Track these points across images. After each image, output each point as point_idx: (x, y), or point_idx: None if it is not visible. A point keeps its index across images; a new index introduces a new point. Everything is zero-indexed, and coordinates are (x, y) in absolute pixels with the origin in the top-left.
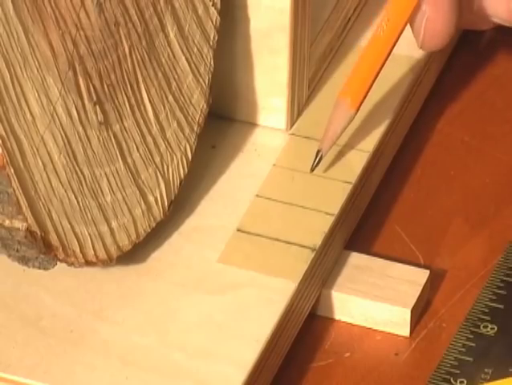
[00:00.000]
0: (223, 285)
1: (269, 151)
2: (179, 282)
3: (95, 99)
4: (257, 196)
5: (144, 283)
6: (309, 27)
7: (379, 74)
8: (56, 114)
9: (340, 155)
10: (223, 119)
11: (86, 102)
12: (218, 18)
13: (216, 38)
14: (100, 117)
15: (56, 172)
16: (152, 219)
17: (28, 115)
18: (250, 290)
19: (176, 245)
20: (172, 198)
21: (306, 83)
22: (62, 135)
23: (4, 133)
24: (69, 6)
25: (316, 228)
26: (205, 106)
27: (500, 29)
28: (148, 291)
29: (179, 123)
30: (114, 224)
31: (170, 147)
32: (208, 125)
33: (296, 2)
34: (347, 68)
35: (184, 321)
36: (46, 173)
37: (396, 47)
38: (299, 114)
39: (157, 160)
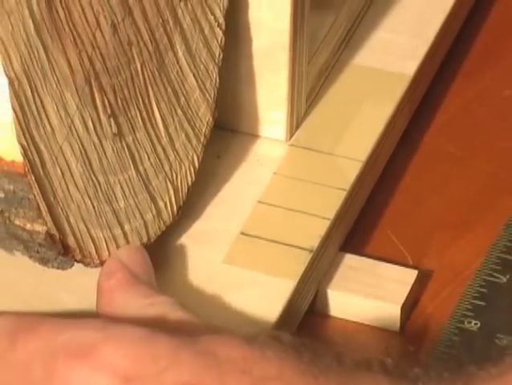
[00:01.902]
0: (228, 284)
1: (270, 160)
2: (187, 281)
3: (109, 112)
4: (259, 202)
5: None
6: (307, 47)
7: (373, 89)
8: (74, 126)
9: (336, 164)
10: (227, 131)
11: (101, 115)
12: (223, 37)
13: (221, 56)
14: (114, 129)
15: (73, 180)
16: (162, 223)
17: (48, 126)
18: (253, 289)
19: (184, 247)
20: (181, 204)
21: (305, 97)
22: (79, 145)
23: (26, 144)
24: (85, 26)
25: (313, 231)
26: (210, 119)
27: (483, 48)
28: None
29: (187, 135)
30: (127, 227)
31: (179, 156)
32: (213, 136)
33: (295, 24)
34: (342, 84)
35: None
36: (65, 180)
37: (388, 65)
38: (298, 126)
39: (167, 168)
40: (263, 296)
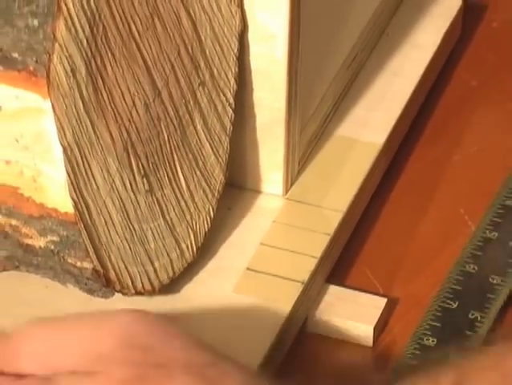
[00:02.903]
0: (236, 308)
1: (270, 211)
2: (204, 307)
3: (142, 173)
4: (261, 244)
5: (178, 307)
6: (299, 121)
7: (352, 155)
8: (114, 184)
9: (322, 214)
10: (236, 188)
11: (136, 175)
12: (233, 114)
13: (231, 128)
14: (147, 186)
15: (114, 227)
16: (184, 261)
17: (94, 185)
18: (256, 313)
19: (201, 280)
20: (199, 245)
21: (297, 161)
22: (119, 199)
23: (76, 198)
24: (124, 106)
25: (304, 267)
26: (223, 178)
27: (438, 123)
28: (181, 314)
29: (204, 191)
30: (157, 264)
31: (198, 208)
32: (225, 192)
33: (289, 103)
34: (327, 150)
35: (207, 337)
36: (107, 227)
37: (363, 136)
38: (292, 184)
39: (188, 217)
40: (264, 318)
